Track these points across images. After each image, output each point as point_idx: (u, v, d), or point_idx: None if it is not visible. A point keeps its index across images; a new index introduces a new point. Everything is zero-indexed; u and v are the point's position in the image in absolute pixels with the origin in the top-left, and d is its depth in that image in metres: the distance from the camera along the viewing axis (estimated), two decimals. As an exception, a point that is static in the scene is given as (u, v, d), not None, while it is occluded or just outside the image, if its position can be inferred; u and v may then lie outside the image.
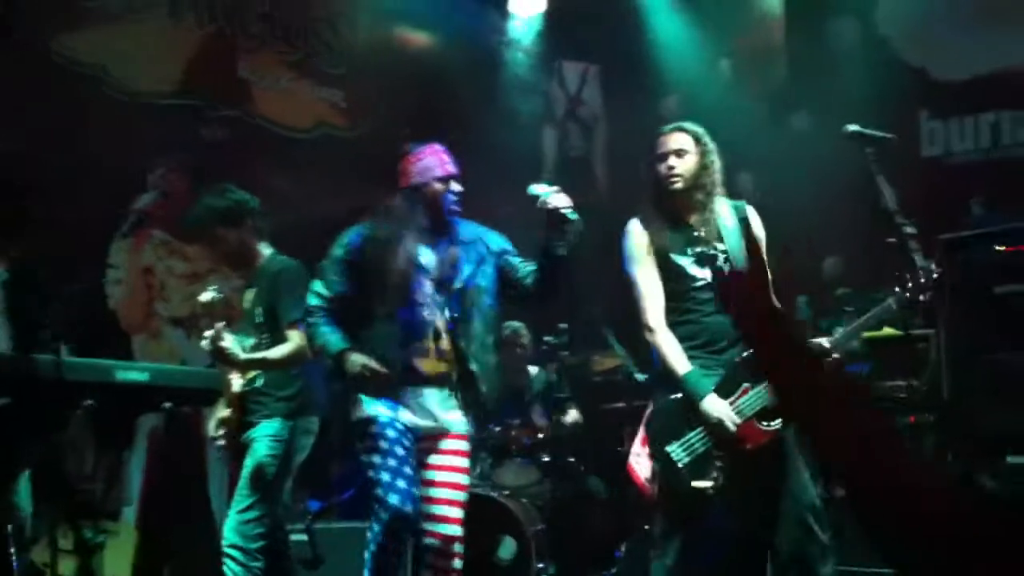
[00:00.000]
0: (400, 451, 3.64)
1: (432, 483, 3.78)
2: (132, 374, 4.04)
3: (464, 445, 3.86)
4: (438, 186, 3.80)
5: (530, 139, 7.78)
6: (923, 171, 5.92)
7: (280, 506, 4.14)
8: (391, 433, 3.66)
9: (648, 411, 4.02)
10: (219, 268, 4.95)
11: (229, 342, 3.99)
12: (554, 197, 3.68)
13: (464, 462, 3.86)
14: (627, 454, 4.14)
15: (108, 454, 3.95)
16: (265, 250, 4.32)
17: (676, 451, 3.80)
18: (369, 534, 3.59)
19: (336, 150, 6.77)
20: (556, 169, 7.91)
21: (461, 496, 3.82)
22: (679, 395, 3.83)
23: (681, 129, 3.94)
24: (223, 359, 4.00)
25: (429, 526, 3.75)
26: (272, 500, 4.08)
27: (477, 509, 4.15)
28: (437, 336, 3.78)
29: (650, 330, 3.89)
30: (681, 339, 3.87)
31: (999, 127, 5.83)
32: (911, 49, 6.21)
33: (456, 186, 3.82)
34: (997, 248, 4.87)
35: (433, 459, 3.81)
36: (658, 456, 3.83)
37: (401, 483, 3.59)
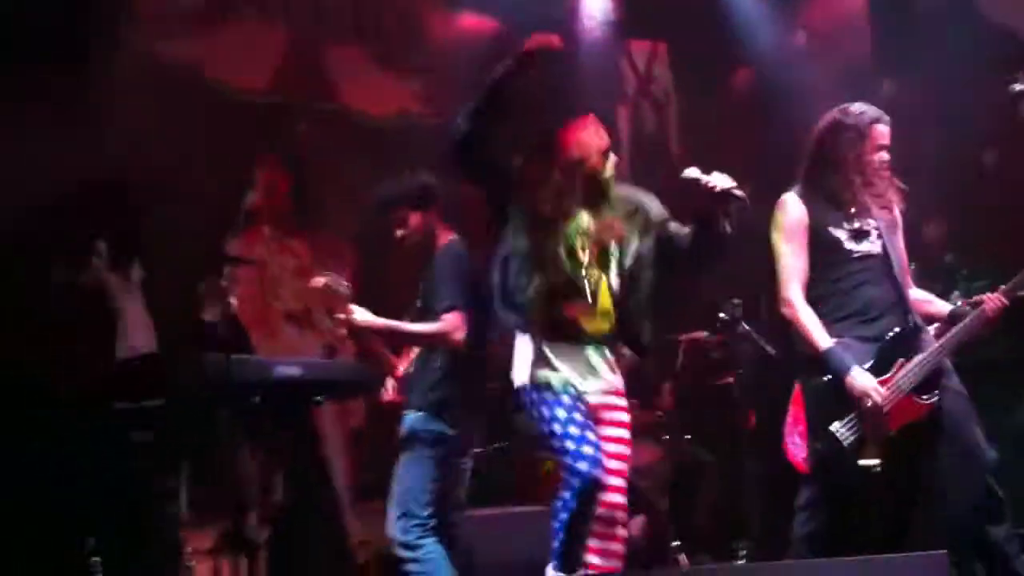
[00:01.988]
0: (579, 416, 3.59)
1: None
2: (289, 369, 4.11)
3: (625, 411, 3.78)
4: (598, 159, 3.77)
5: (604, 119, 7.72)
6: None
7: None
8: (567, 398, 3.61)
9: (799, 390, 4.04)
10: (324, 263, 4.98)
11: (361, 312, 3.97)
12: (717, 177, 3.67)
13: (626, 431, 3.77)
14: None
15: (268, 453, 3.99)
16: (446, 235, 4.23)
17: (840, 430, 3.82)
18: (559, 503, 3.53)
19: (419, 138, 6.79)
20: (631, 148, 7.88)
21: (625, 465, 3.75)
22: (829, 376, 3.85)
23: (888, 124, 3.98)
24: (358, 329, 3.97)
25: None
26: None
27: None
28: (597, 296, 3.72)
29: (789, 304, 3.91)
30: (832, 311, 3.89)
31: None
32: (1003, 11, 6.15)
33: (614, 156, 3.80)
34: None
35: (600, 426, 3.72)
36: (820, 436, 3.85)
37: (588, 448, 3.53)
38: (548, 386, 3.63)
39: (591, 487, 3.51)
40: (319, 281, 4.02)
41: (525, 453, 5.39)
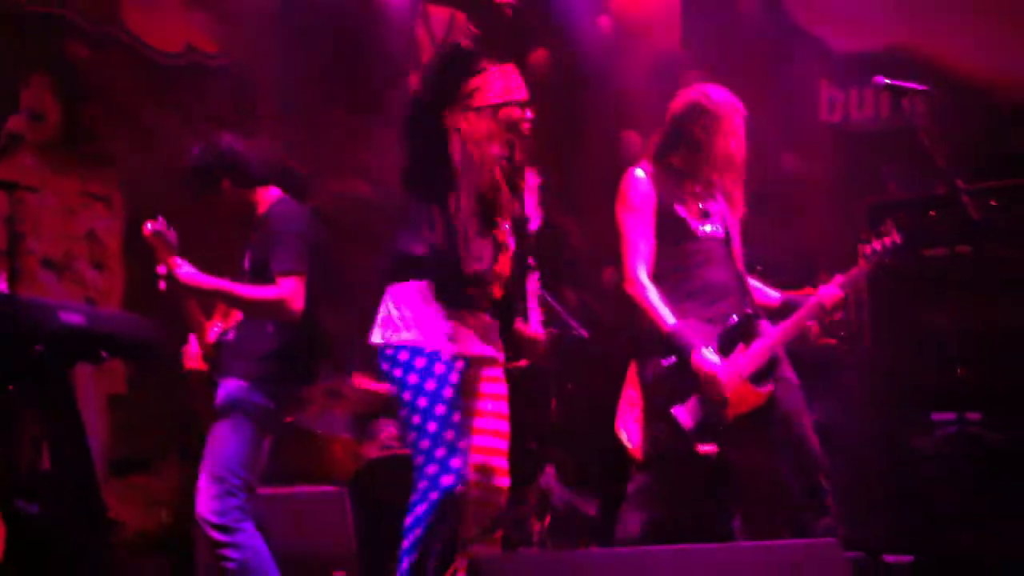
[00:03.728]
0: (458, 415, 3.22)
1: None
2: (73, 316, 3.52)
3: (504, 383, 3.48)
4: (517, 110, 3.41)
5: (399, 87, 7.42)
6: (825, 137, 6.05)
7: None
8: (454, 378, 3.23)
9: (637, 371, 3.88)
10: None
11: (187, 267, 3.52)
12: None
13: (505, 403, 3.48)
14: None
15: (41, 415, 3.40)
16: (272, 192, 3.81)
17: (681, 414, 3.68)
18: (411, 519, 3.18)
19: (208, 79, 6.20)
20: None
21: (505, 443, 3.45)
22: (672, 358, 3.72)
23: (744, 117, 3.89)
24: (182, 288, 3.52)
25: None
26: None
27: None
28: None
29: (633, 282, 3.78)
30: (673, 289, 3.77)
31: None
32: (809, 17, 6.31)
33: (530, 112, 3.44)
34: (925, 213, 5.06)
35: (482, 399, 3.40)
36: (660, 420, 3.70)
37: (457, 461, 3.18)
38: (436, 356, 3.23)
39: (451, 502, 3.17)
40: (148, 228, 3.52)
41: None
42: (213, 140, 3.78)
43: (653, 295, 3.75)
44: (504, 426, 3.45)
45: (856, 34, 6.15)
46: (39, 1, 5.29)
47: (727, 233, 3.87)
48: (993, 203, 5.03)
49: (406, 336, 3.25)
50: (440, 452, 3.18)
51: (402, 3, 7.44)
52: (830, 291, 3.86)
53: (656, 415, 3.72)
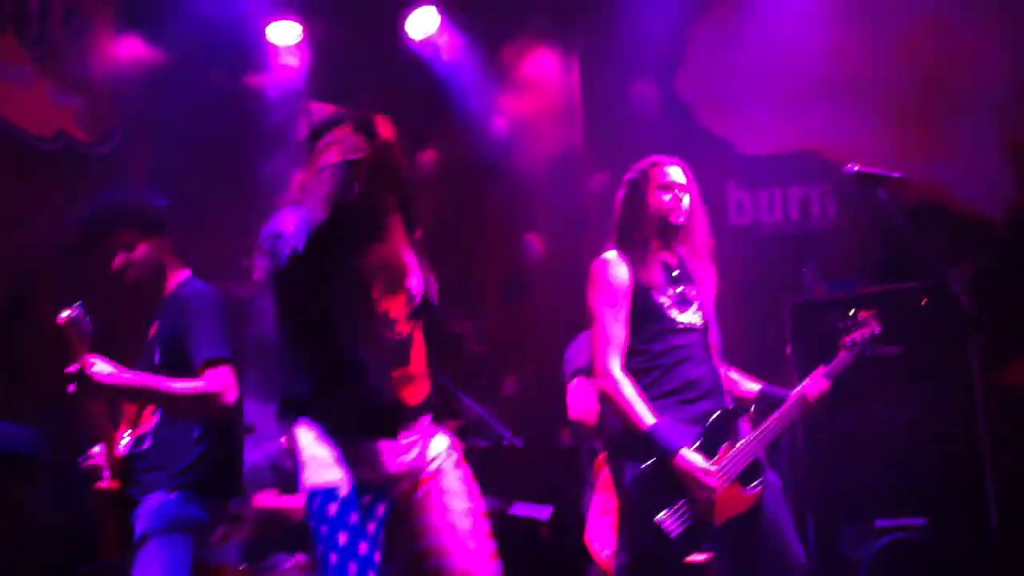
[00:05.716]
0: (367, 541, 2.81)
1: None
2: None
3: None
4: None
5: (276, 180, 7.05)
6: (735, 240, 5.94)
7: None
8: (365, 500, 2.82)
9: (612, 475, 3.53)
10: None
11: (103, 364, 3.02)
12: None
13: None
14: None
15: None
16: (182, 273, 3.39)
17: (667, 522, 3.34)
18: None
19: (80, 166, 5.67)
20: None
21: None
22: (652, 460, 3.40)
23: (679, 164, 3.66)
24: (97, 389, 3.00)
25: None
26: None
27: None
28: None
29: (607, 376, 3.46)
30: (650, 386, 3.48)
31: (808, 200, 6.00)
32: (715, 120, 6.27)
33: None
34: (850, 312, 4.96)
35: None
36: (643, 529, 3.34)
37: None
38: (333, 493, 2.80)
39: None
40: (64, 315, 3.02)
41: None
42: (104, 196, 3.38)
43: (629, 390, 3.44)
44: (462, 531, 2.93)
45: (764, 136, 6.13)
46: None
47: (705, 323, 3.61)
48: (924, 302, 4.98)
49: (314, 475, 2.84)
50: None
51: (285, 96, 7.12)
52: (815, 383, 3.64)
53: (637, 523, 3.36)
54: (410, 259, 2.97)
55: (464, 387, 5.39)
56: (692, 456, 3.36)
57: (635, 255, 3.59)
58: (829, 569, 4.84)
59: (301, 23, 6.60)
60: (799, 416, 3.64)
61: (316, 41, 6.69)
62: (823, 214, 5.97)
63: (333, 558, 2.77)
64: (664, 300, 3.54)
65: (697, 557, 3.32)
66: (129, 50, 6.23)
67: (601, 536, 3.69)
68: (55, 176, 5.52)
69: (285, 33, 6.70)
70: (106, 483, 3.19)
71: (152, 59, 6.33)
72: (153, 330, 3.34)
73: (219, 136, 6.33)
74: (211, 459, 3.19)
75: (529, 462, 5.55)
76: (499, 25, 6.74)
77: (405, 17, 6.64)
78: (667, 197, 3.62)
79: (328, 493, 2.80)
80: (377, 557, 2.79)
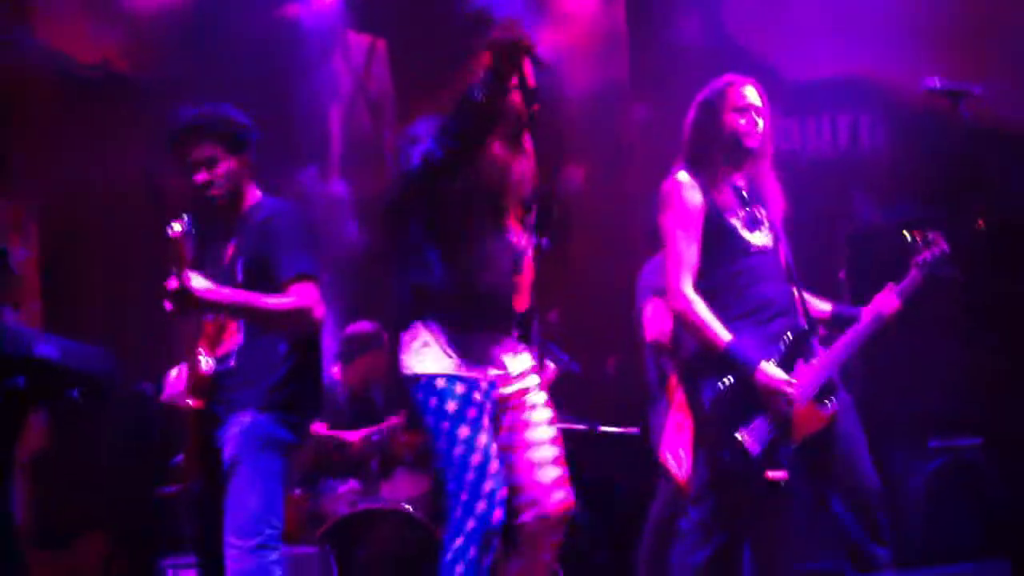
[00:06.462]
0: (483, 437, 2.96)
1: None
2: (46, 348, 2.98)
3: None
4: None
5: (317, 116, 7.03)
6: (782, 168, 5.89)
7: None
8: (472, 407, 2.97)
9: (687, 395, 3.54)
10: None
11: (201, 279, 3.02)
12: None
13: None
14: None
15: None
16: (257, 192, 3.38)
17: (747, 438, 3.35)
18: (448, 555, 2.88)
19: (124, 94, 5.65)
20: (343, 149, 7.15)
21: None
22: (730, 377, 3.41)
23: (755, 84, 3.59)
24: (197, 304, 3.01)
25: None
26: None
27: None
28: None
29: (680, 297, 3.45)
30: (725, 307, 3.46)
31: (857, 126, 5.96)
32: (760, 47, 6.20)
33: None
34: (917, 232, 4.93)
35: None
36: (723, 445, 3.36)
37: (488, 484, 2.91)
38: (455, 380, 3.00)
39: (491, 531, 2.89)
40: (175, 228, 2.97)
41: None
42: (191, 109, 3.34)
43: (703, 310, 3.42)
44: (549, 452, 3.11)
45: (807, 62, 6.06)
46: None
47: (776, 243, 3.59)
48: (980, 224, 4.95)
49: (427, 365, 3.02)
50: (470, 477, 2.92)
51: (321, 27, 7.06)
52: (888, 300, 3.62)
53: (717, 441, 3.37)
54: (534, 175, 3.09)
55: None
56: (773, 369, 3.36)
57: (706, 177, 3.54)
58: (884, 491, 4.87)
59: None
60: (872, 335, 3.63)
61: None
62: (872, 141, 5.92)
63: (457, 451, 2.92)
64: (736, 222, 3.52)
65: (775, 474, 3.33)
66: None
67: (677, 454, 3.71)
68: (100, 103, 5.49)
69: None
70: (192, 401, 3.21)
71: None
72: (231, 249, 3.32)
73: (258, 65, 6.31)
74: (298, 376, 3.20)
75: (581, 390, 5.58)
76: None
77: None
78: (742, 120, 3.55)
79: (445, 389, 2.97)
80: (481, 441, 2.93)
